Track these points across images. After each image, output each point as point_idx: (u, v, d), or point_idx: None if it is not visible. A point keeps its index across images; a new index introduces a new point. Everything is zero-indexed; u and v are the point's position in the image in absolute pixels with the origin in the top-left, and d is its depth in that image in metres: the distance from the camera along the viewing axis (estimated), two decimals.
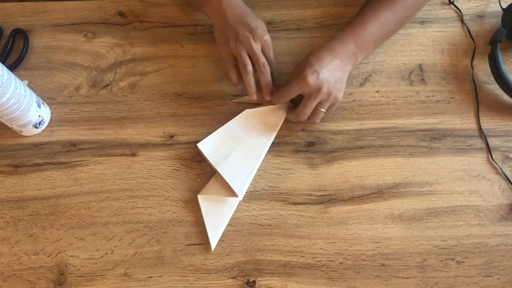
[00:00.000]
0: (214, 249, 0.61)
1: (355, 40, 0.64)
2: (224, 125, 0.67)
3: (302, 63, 0.63)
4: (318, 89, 0.60)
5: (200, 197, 0.63)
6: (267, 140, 0.66)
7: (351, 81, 0.70)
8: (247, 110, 0.68)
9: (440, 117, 0.68)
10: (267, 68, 0.63)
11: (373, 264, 0.60)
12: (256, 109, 0.68)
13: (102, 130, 0.68)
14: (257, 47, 0.62)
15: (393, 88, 0.70)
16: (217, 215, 0.62)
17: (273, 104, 0.67)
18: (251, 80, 0.63)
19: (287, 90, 0.63)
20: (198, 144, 0.65)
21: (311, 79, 0.60)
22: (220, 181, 0.63)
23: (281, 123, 0.67)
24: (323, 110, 0.63)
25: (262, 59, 0.62)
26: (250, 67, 0.62)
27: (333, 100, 0.62)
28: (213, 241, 0.61)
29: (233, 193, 0.62)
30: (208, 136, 0.66)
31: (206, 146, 0.65)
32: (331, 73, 0.61)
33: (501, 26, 0.72)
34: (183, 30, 0.74)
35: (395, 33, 0.71)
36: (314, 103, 0.62)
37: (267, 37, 0.63)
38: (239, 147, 0.65)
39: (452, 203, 0.63)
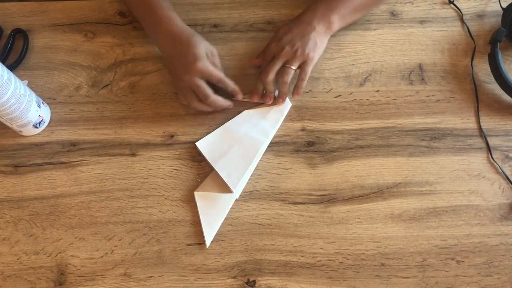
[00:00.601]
0: (214, 249, 0.61)
1: (327, 5, 0.67)
2: (224, 124, 0.67)
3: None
4: (281, 49, 0.64)
5: (196, 194, 0.63)
6: (266, 137, 0.66)
7: (351, 80, 0.70)
8: (246, 110, 0.68)
9: (440, 117, 0.68)
10: (225, 80, 0.64)
11: (373, 264, 0.60)
12: (255, 109, 0.68)
13: (102, 130, 0.68)
14: (199, 79, 0.63)
15: (393, 87, 0.70)
16: (213, 212, 0.62)
17: (272, 104, 0.68)
18: (217, 101, 0.64)
19: (264, 66, 0.66)
20: (197, 143, 0.65)
21: (273, 44, 0.66)
22: (217, 179, 0.64)
23: (282, 119, 0.67)
24: (293, 67, 0.65)
25: (215, 77, 0.64)
26: (208, 95, 0.63)
27: (303, 57, 0.65)
28: (208, 238, 0.61)
29: (229, 190, 0.62)
30: (207, 135, 0.66)
31: (205, 145, 0.65)
32: (294, 35, 0.65)
33: (501, 26, 0.72)
34: None
35: (371, 9, 0.74)
36: (279, 63, 0.65)
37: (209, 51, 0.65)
38: (238, 145, 0.65)
39: (452, 203, 0.63)
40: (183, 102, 0.66)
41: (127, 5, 0.73)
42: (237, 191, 0.63)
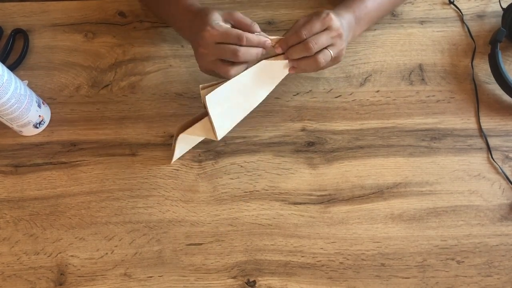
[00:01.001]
0: (214, 249, 0.61)
1: (355, 15, 0.64)
2: (236, 76, 0.58)
3: (317, 11, 0.58)
4: (337, 30, 0.57)
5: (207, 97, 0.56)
6: (265, 91, 0.62)
7: (351, 81, 0.70)
8: (263, 61, 0.60)
9: (440, 117, 0.68)
10: (246, 36, 0.55)
11: (373, 264, 0.60)
12: (272, 61, 0.60)
13: (102, 130, 0.68)
14: (221, 31, 0.55)
15: (393, 88, 0.70)
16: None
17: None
18: (251, 49, 0.56)
19: (309, 26, 0.57)
20: (206, 97, 0.57)
21: (334, 16, 0.57)
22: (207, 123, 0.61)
23: (283, 75, 0.61)
24: (332, 53, 0.58)
25: (233, 35, 0.55)
26: (235, 50, 0.55)
27: (340, 52, 0.60)
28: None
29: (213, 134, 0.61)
30: (217, 89, 0.57)
31: (213, 100, 0.58)
32: (345, 29, 0.60)
33: (501, 26, 0.72)
34: None
35: (386, 15, 0.72)
36: (330, 40, 0.58)
37: (220, 12, 0.58)
38: (242, 97, 0.60)
39: (452, 203, 0.63)
40: (221, 75, 0.58)
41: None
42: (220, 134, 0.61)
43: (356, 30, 0.65)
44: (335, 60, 0.60)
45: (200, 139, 0.65)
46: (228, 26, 0.57)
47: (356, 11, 0.64)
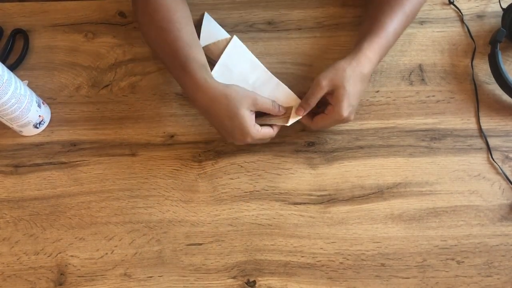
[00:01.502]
0: (214, 249, 0.61)
1: (380, 53, 0.63)
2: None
3: (335, 86, 0.60)
4: (348, 119, 0.62)
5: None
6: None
7: None
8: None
9: (440, 117, 0.68)
10: (272, 135, 0.63)
11: (373, 264, 0.60)
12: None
13: (102, 130, 0.68)
14: (257, 135, 0.61)
15: (393, 88, 0.70)
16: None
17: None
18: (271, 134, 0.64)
19: (321, 123, 0.63)
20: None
21: (347, 112, 0.60)
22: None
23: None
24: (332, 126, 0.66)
25: (265, 139, 0.64)
26: (273, 136, 0.64)
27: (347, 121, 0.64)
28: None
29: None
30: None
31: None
32: (358, 99, 0.62)
33: (501, 26, 0.72)
34: None
35: None
36: (334, 124, 0.64)
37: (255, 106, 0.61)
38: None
39: (452, 203, 0.63)
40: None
41: (150, 46, 0.70)
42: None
43: (377, 64, 0.64)
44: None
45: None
46: (258, 131, 0.61)
47: (381, 49, 0.63)
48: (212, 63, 0.66)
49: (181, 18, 0.64)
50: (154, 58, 0.71)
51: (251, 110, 0.60)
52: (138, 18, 0.66)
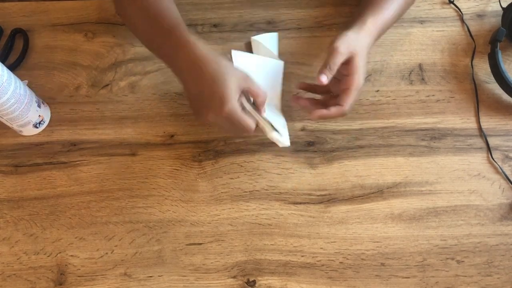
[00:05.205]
0: (214, 249, 0.61)
1: (381, 28, 0.63)
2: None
3: (354, 53, 0.58)
4: (355, 97, 0.59)
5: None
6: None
7: None
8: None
9: (440, 117, 0.68)
10: (253, 129, 0.57)
11: (373, 264, 0.60)
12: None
13: (102, 130, 0.68)
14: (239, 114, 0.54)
15: (393, 87, 0.70)
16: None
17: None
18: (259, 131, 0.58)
19: (349, 96, 0.58)
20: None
21: (355, 76, 0.58)
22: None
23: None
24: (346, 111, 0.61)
25: (244, 126, 0.55)
26: (251, 130, 0.56)
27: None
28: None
29: None
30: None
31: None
32: (364, 70, 0.60)
33: (501, 26, 0.72)
34: None
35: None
36: (351, 102, 0.59)
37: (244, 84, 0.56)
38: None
39: (452, 203, 0.63)
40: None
41: (136, 33, 0.65)
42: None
43: (372, 45, 0.63)
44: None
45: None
46: (239, 107, 0.55)
47: (379, 31, 0.63)
48: None
49: (170, 4, 0.61)
50: (147, 50, 0.68)
51: (239, 86, 0.55)
52: (126, 10, 0.63)
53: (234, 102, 0.53)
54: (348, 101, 0.58)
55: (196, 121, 0.62)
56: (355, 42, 0.59)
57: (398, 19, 0.67)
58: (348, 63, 0.58)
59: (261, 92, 0.57)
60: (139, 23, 0.62)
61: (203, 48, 0.55)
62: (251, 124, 0.56)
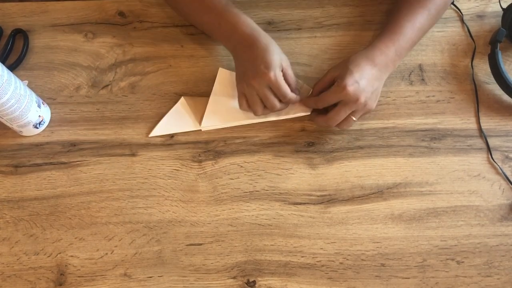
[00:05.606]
0: (214, 249, 0.61)
1: (395, 48, 0.63)
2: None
3: (340, 70, 0.61)
4: (356, 99, 0.59)
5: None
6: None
7: None
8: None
9: (440, 117, 0.68)
10: (289, 99, 0.62)
11: (373, 264, 0.60)
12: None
13: (102, 130, 0.68)
14: (277, 83, 0.61)
15: (393, 88, 0.70)
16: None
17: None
18: (282, 106, 0.64)
19: (324, 98, 0.62)
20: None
21: (351, 89, 0.59)
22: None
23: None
24: (355, 119, 0.62)
25: (285, 94, 0.62)
26: (275, 106, 0.63)
27: (366, 110, 0.62)
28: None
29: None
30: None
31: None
32: (370, 84, 0.61)
33: (501, 26, 0.72)
34: (183, 30, 0.74)
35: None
36: (349, 112, 0.61)
37: (284, 64, 0.62)
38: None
39: (452, 203, 0.63)
40: (243, 108, 0.64)
41: (184, 13, 0.71)
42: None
43: (397, 62, 0.65)
44: (363, 115, 0.64)
45: (185, 126, 0.67)
46: (282, 76, 0.62)
47: (396, 46, 0.64)
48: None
49: None
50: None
51: (282, 62, 0.62)
52: None
53: (279, 71, 0.61)
54: (331, 114, 0.62)
55: (238, 89, 0.65)
56: (346, 60, 0.62)
57: (426, 29, 0.68)
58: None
59: (292, 75, 0.64)
60: (192, 6, 0.68)
61: (254, 24, 0.64)
62: (290, 92, 0.62)
